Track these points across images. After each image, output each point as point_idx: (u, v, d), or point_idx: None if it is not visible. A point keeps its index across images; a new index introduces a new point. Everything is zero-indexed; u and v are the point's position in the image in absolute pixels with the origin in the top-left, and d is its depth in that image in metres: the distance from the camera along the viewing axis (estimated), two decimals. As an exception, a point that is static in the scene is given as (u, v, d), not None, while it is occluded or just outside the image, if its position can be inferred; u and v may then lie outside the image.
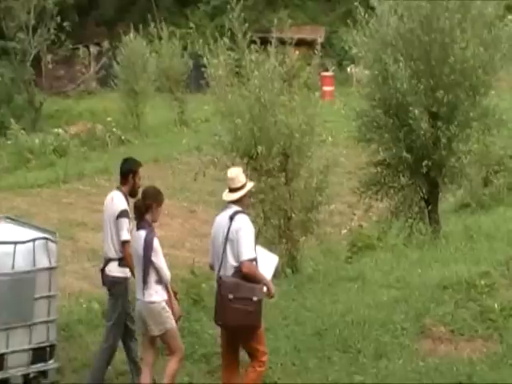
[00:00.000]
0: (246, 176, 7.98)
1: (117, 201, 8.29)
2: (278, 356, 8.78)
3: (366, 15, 12.17)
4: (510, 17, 12.07)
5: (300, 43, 14.57)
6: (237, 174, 7.61)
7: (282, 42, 12.02)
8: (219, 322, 7.43)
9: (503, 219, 14.17)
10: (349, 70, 37.06)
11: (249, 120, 11.34)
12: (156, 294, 7.66)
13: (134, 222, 7.93)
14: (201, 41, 11.92)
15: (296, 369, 8.54)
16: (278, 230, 11.54)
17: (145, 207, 7.67)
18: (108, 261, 8.33)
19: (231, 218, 7.31)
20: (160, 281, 7.67)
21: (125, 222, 8.16)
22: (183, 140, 22.13)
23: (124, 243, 8.16)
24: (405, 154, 11.95)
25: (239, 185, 7.50)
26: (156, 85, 30.65)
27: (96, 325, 10.10)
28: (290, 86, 11.51)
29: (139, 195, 8.04)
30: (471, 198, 16.06)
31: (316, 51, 12.23)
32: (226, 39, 11.69)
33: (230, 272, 7.29)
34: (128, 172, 8.42)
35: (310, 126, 11.35)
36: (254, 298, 7.22)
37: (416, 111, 11.54)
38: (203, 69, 12.00)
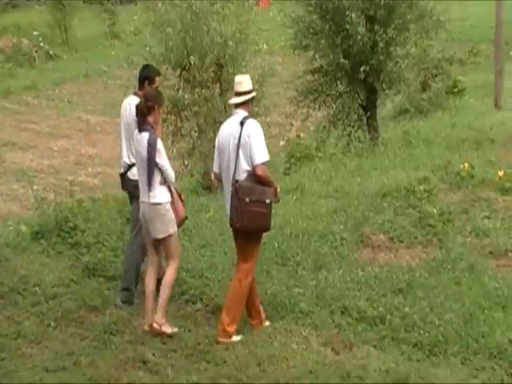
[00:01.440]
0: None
1: (134, 105, 7.97)
2: (216, 272, 8.64)
3: None
4: None
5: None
6: (245, 78, 7.61)
7: None
8: (237, 225, 7.42)
9: (441, 124, 14.12)
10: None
11: (180, 29, 10.95)
12: (161, 195, 7.62)
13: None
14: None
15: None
16: (213, 144, 11.22)
17: (147, 109, 7.58)
18: (130, 166, 8.26)
19: (242, 124, 7.32)
20: (164, 182, 7.62)
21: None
22: (112, 52, 21.47)
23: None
24: (342, 59, 11.71)
25: (247, 89, 7.48)
26: (84, -4, 29.70)
27: (24, 248, 9.79)
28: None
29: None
30: (409, 103, 15.95)
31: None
32: None
33: (243, 176, 7.32)
34: (144, 78, 8.36)
35: (244, 34, 11.01)
36: (267, 201, 7.36)
37: (353, 15, 11.25)
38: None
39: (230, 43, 10.91)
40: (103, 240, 9.54)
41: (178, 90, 10.04)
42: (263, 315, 7.72)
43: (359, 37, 11.44)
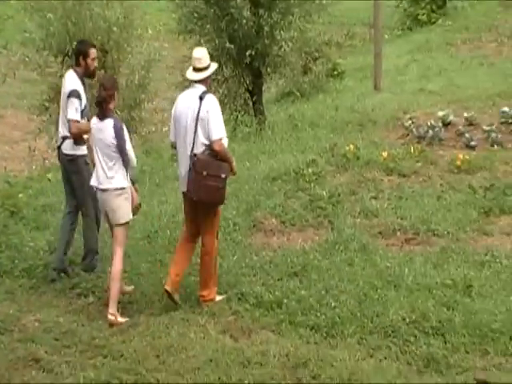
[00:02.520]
0: None
1: (69, 81, 8.31)
2: (107, 263, 8.44)
3: None
4: None
5: None
6: (203, 53, 7.67)
7: None
8: (194, 198, 7.54)
9: (325, 106, 14.28)
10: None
11: (62, 14, 10.58)
12: (124, 180, 7.74)
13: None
14: None
15: (127, 275, 8.24)
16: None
17: (108, 97, 7.68)
18: (63, 139, 8.37)
19: (201, 98, 7.43)
20: (125, 168, 7.73)
21: (73, 101, 8.21)
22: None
23: (69, 121, 8.20)
24: (228, 44, 11.63)
25: (205, 64, 7.59)
26: None
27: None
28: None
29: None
30: (293, 86, 16.06)
31: None
32: None
33: (201, 150, 7.44)
34: (78, 53, 8.41)
35: (129, 20, 10.76)
36: (223, 175, 7.52)
37: (237, -1, 11.18)
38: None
39: (115, 29, 10.66)
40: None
41: (60, 77, 9.70)
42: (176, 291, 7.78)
43: (244, 21, 11.41)
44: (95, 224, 8.63)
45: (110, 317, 7.60)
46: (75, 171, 8.42)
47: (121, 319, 7.60)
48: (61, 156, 8.54)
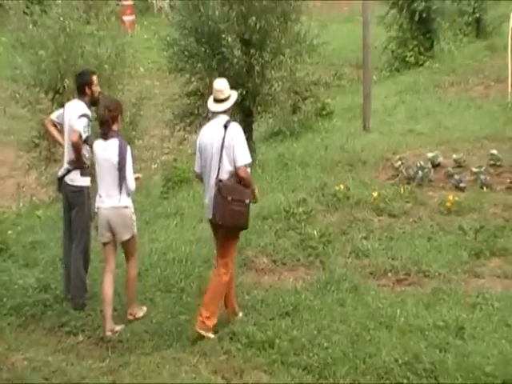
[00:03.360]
0: None
1: (78, 107, 8.46)
2: (97, 302, 8.39)
3: None
4: None
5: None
6: (224, 85, 7.85)
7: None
8: (219, 222, 7.72)
9: (314, 146, 14.31)
10: (149, -1, 36.18)
11: (53, 51, 10.60)
12: (128, 199, 8.02)
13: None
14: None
15: (117, 314, 8.18)
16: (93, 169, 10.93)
17: (111, 118, 7.91)
18: (68, 170, 8.49)
19: (225, 127, 7.65)
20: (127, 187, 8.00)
21: (84, 120, 8.35)
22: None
23: (74, 131, 8.29)
24: (218, 83, 11.62)
25: (227, 95, 7.80)
26: None
27: None
28: (97, 15, 10.81)
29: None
30: (282, 125, 16.10)
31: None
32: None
33: (226, 176, 7.65)
34: (83, 85, 8.58)
35: (120, 57, 10.78)
36: (247, 201, 7.71)
37: (229, 38, 11.26)
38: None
39: (106, 66, 10.68)
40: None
41: (50, 114, 9.67)
42: (237, 307, 8.06)
43: (235, 60, 11.44)
44: (85, 260, 8.57)
45: (130, 317, 8.09)
46: (80, 202, 8.47)
47: (141, 314, 8.10)
48: (65, 187, 8.56)
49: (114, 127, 7.99)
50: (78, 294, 8.45)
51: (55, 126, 8.73)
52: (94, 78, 8.64)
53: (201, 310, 7.72)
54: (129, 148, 8.01)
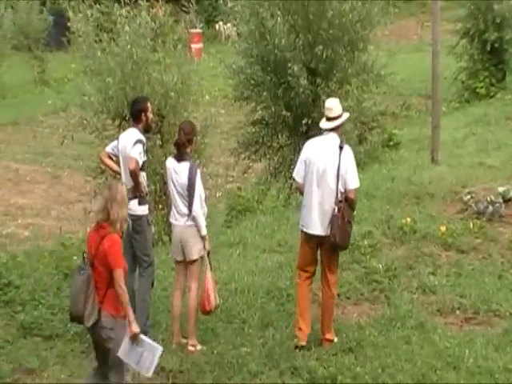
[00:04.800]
0: None
1: (133, 134, 8.51)
2: (159, 331, 8.31)
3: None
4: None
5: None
6: (335, 103, 8.07)
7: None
8: (339, 243, 7.93)
9: (381, 177, 14.07)
10: (217, 26, 36.51)
11: (120, 79, 10.64)
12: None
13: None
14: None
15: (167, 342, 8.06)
16: (154, 196, 10.93)
17: (187, 141, 8.14)
18: (129, 199, 8.20)
19: (341, 148, 7.89)
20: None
21: (139, 146, 8.38)
22: (48, 101, 21.05)
23: (131, 159, 8.29)
24: (284, 112, 11.56)
25: (338, 113, 8.02)
26: (13, 43, 29.11)
27: None
28: (164, 42, 10.83)
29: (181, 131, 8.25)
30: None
31: (183, 7, 11.63)
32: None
33: (339, 198, 7.87)
34: (139, 111, 8.61)
35: (186, 85, 10.77)
36: (352, 221, 8.03)
37: (295, 67, 11.15)
38: (68, 24, 11.18)
39: (172, 93, 10.68)
40: (39, 297, 9.14)
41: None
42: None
43: (301, 89, 11.33)
44: (151, 285, 8.55)
45: (191, 348, 8.05)
46: (139, 231, 8.46)
47: (200, 347, 8.04)
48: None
49: (188, 149, 8.22)
50: (142, 322, 8.36)
51: (111, 158, 8.73)
52: (149, 104, 8.72)
53: (322, 331, 8.00)
54: (199, 172, 8.15)
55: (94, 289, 6.58)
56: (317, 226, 7.93)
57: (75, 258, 10.22)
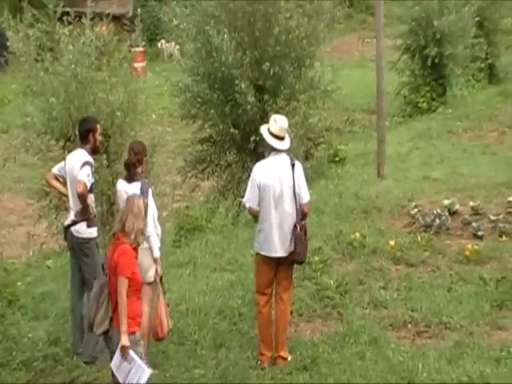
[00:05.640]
0: None
1: (80, 155, 8.39)
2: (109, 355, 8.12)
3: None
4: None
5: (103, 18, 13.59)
6: (286, 121, 8.07)
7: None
8: (303, 259, 8.06)
9: (328, 193, 14.11)
10: (160, 45, 36.41)
11: (64, 99, 10.42)
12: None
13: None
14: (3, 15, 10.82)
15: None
16: (100, 217, 10.73)
17: (137, 161, 8.04)
18: (75, 222, 8.38)
19: (293, 165, 7.87)
20: None
21: (87, 169, 8.28)
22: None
23: (79, 182, 8.19)
24: (232, 129, 11.51)
25: (288, 131, 8.12)
26: None
27: None
28: (109, 61, 10.67)
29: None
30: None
31: (125, 26, 11.52)
32: (32, 12, 10.71)
33: (293, 211, 7.84)
34: (87, 131, 8.54)
35: (132, 104, 10.59)
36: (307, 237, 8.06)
37: (242, 85, 11.11)
38: (6, 44, 10.95)
39: (118, 113, 10.49)
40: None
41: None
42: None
43: (249, 106, 11.30)
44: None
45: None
46: (88, 254, 8.33)
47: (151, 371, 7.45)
48: (71, 238, 8.43)
49: (139, 169, 8.09)
50: (91, 347, 8.20)
51: (58, 179, 8.59)
52: (98, 126, 8.61)
53: (276, 348, 7.91)
54: (150, 191, 8.02)
55: (108, 298, 6.64)
56: (277, 249, 7.87)
57: (19, 283, 10.03)
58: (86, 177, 8.20)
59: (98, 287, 6.73)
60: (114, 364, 6.53)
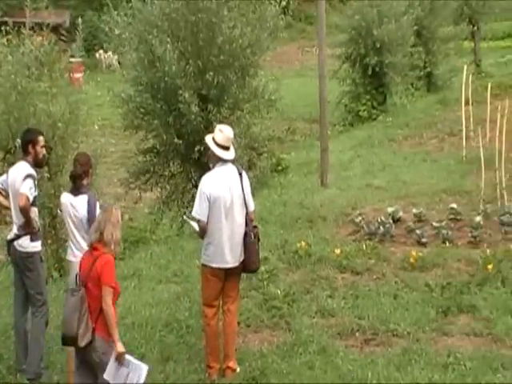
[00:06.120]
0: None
1: (23, 168, 8.10)
2: (54, 371, 8.05)
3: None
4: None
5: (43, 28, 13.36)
6: (231, 130, 7.97)
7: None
8: (257, 267, 8.09)
9: (272, 202, 14.13)
10: (98, 55, 36.11)
11: (4, 110, 10.25)
12: None
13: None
14: None
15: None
16: (43, 230, 10.53)
17: (83, 173, 7.87)
18: (18, 236, 8.12)
19: (240, 174, 7.85)
20: None
21: (29, 182, 8.01)
22: None
23: (21, 195, 7.91)
24: (176, 139, 11.40)
25: (232, 140, 8.01)
26: None
27: None
28: (50, 71, 10.50)
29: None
30: (239, 181, 15.90)
31: (62, 36, 11.36)
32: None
33: (242, 220, 7.80)
34: (27, 142, 8.24)
35: (74, 115, 10.46)
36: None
37: (186, 94, 11.01)
38: None
39: (60, 124, 10.36)
40: None
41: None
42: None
43: (192, 116, 11.21)
44: (45, 324, 8.19)
45: None
46: (31, 269, 8.09)
47: None
48: (15, 252, 8.18)
49: (85, 181, 7.92)
50: (36, 363, 8.01)
51: (0, 192, 8.38)
52: (41, 138, 8.31)
53: (226, 360, 7.82)
54: (98, 204, 7.87)
55: (88, 310, 6.50)
56: (228, 260, 7.78)
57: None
58: (28, 190, 7.98)
59: (76, 300, 6.56)
60: (108, 374, 6.43)
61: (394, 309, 9.17)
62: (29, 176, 8.05)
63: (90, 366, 6.64)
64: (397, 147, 17.94)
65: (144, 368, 6.53)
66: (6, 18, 10.91)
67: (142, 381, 6.49)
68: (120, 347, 6.43)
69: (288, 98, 22.92)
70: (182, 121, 11.41)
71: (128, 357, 6.51)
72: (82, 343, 6.48)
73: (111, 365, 6.42)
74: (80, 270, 6.69)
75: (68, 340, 6.62)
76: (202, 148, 11.41)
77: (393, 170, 15.67)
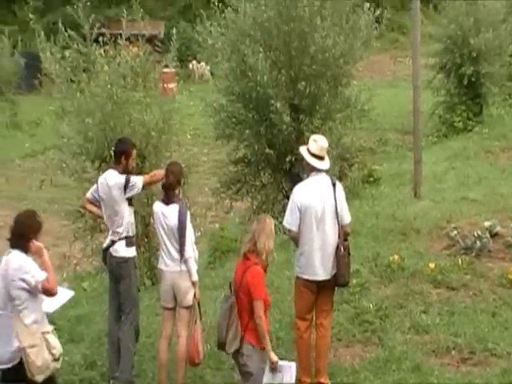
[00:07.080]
0: None
1: (115, 177, 8.20)
2: (146, 380, 8.09)
3: (220, 5, 11.49)
4: (367, 4, 11.69)
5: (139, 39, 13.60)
6: (325, 140, 7.94)
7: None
8: (348, 281, 8.03)
9: (364, 214, 13.86)
10: (191, 66, 36.53)
11: (100, 119, 10.39)
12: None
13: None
14: (39, 38, 10.80)
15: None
16: (136, 238, 10.61)
17: (176, 183, 7.93)
18: (113, 242, 8.25)
19: (334, 185, 7.78)
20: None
21: (137, 179, 8.18)
22: (26, 144, 20.75)
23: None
24: (267, 149, 11.37)
25: (325, 152, 7.92)
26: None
27: None
28: (145, 81, 10.62)
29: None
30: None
31: (157, 47, 11.48)
32: (67, 33, 10.70)
33: (334, 232, 7.71)
34: (121, 153, 8.33)
35: (167, 124, 10.54)
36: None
37: (277, 104, 10.99)
38: (40, 66, 10.95)
39: (153, 133, 10.45)
40: None
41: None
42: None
43: (284, 126, 11.18)
44: (135, 334, 8.22)
45: None
46: (127, 274, 8.20)
47: None
48: (110, 259, 8.28)
49: (176, 191, 7.96)
50: (128, 371, 8.06)
51: (92, 203, 8.46)
52: (134, 151, 8.42)
53: (318, 373, 7.76)
54: (188, 213, 7.91)
55: (238, 317, 6.74)
56: (320, 273, 7.71)
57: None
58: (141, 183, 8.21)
59: (226, 307, 6.83)
60: (266, 381, 6.80)
61: (493, 327, 8.87)
62: (130, 177, 8.16)
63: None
64: (493, 159, 17.42)
65: (293, 365, 6.88)
66: (103, 30, 11.07)
67: (294, 378, 6.87)
68: (273, 357, 6.72)
69: (380, 109, 22.66)
70: (274, 131, 11.39)
71: (280, 362, 6.83)
72: (230, 350, 6.78)
73: (267, 374, 6.78)
74: (234, 277, 6.94)
75: (219, 346, 6.93)
76: (294, 158, 11.36)
77: (489, 182, 15.19)
